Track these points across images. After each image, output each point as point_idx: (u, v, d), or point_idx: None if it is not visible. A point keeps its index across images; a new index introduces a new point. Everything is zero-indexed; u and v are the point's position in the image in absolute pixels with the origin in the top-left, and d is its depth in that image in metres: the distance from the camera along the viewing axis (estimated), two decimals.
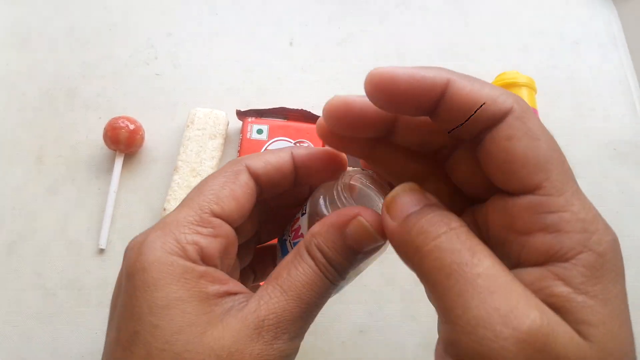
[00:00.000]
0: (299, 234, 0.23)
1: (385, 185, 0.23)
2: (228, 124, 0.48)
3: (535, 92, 0.49)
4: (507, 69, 0.49)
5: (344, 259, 0.20)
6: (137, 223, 0.45)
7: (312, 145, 0.46)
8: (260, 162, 0.23)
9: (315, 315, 0.20)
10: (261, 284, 0.22)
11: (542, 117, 0.48)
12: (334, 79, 0.53)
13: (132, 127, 0.45)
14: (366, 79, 0.18)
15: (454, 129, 0.19)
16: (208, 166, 0.45)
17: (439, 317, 0.17)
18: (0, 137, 0.48)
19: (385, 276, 0.43)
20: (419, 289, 0.47)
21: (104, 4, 0.55)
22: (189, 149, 0.45)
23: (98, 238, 0.44)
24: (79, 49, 0.53)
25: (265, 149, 0.46)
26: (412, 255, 0.17)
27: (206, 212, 0.21)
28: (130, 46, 0.53)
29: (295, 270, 0.19)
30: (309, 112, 0.47)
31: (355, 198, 0.21)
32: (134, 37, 0.54)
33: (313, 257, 0.20)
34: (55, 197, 0.46)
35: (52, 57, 0.52)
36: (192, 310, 0.18)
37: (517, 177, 0.17)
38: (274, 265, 0.23)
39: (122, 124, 0.45)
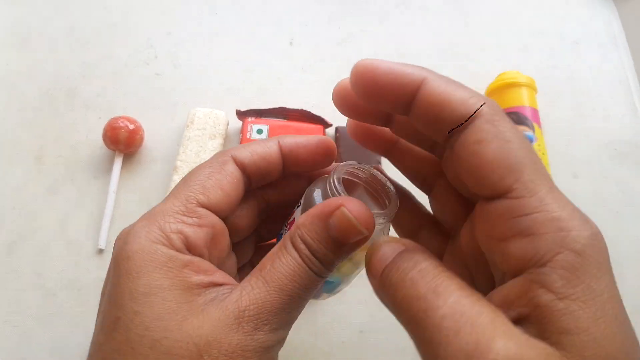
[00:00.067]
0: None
1: (380, 180, 0.23)
2: (228, 124, 0.48)
3: (536, 92, 0.49)
4: (507, 69, 0.49)
5: (329, 251, 0.19)
6: None
7: None
8: (246, 152, 0.23)
9: (300, 308, 0.20)
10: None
11: (542, 117, 0.48)
12: (334, 79, 0.52)
13: (131, 127, 0.45)
14: (352, 69, 0.19)
15: (453, 129, 0.18)
16: None
17: None
18: (0, 137, 0.48)
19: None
20: None
21: (104, 4, 0.55)
22: (188, 149, 0.45)
23: (98, 238, 0.44)
24: (79, 49, 0.53)
25: None
26: (392, 309, 0.18)
27: (192, 203, 0.21)
28: (130, 46, 0.53)
29: (278, 262, 0.19)
30: (309, 112, 0.47)
31: (350, 191, 0.21)
32: (133, 37, 0.54)
33: (297, 249, 0.19)
34: (55, 197, 0.46)
35: (52, 57, 0.52)
36: (173, 298, 0.18)
37: (488, 181, 0.17)
38: None
39: (121, 124, 0.45)
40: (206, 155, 0.45)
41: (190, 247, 0.20)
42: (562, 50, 0.55)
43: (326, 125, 0.48)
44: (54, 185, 0.46)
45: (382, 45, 0.55)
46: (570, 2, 0.58)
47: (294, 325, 0.44)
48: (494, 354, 0.14)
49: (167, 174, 0.47)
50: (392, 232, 0.24)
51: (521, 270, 0.16)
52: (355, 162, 0.23)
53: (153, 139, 0.48)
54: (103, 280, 0.46)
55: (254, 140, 0.46)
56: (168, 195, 0.22)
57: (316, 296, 0.25)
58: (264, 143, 0.23)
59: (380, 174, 0.23)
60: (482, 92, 0.51)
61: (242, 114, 0.48)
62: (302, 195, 0.24)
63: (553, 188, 0.16)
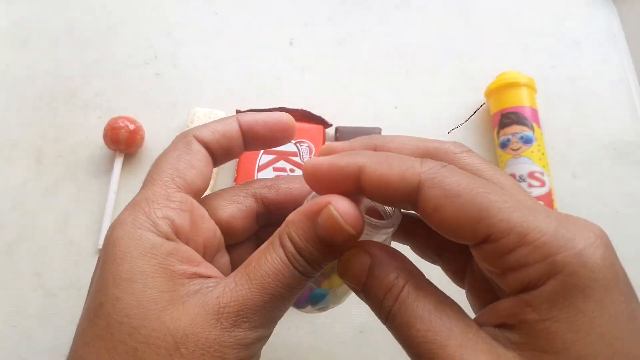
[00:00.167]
0: None
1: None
2: None
3: (535, 92, 0.49)
4: (507, 69, 0.49)
5: (316, 250, 0.19)
6: None
7: (313, 146, 0.46)
8: (207, 131, 0.23)
9: (283, 307, 0.20)
10: None
11: (542, 117, 0.48)
12: (334, 79, 0.53)
13: (132, 127, 0.45)
14: (302, 169, 0.20)
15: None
16: None
17: None
18: (0, 137, 0.48)
19: None
20: None
21: (104, 4, 0.55)
22: None
23: (98, 238, 0.44)
24: (79, 49, 0.53)
25: (265, 149, 0.46)
26: (399, 340, 0.19)
27: (171, 187, 0.21)
28: (130, 46, 0.53)
29: (263, 259, 0.19)
30: (309, 112, 0.47)
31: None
32: (133, 37, 0.54)
33: (283, 247, 0.19)
34: (55, 197, 0.46)
35: (52, 57, 0.52)
36: (154, 286, 0.18)
37: (464, 237, 0.17)
38: None
39: (121, 124, 0.45)
40: None
41: (177, 232, 0.20)
42: (562, 51, 0.55)
43: (326, 125, 0.48)
44: (54, 185, 0.46)
45: (382, 45, 0.55)
46: (570, 3, 0.58)
47: (294, 325, 0.44)
48: None
49: None
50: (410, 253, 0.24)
51: (519, 292, 0.17)
52: None
53: (153, 139, 0.48)
54: None
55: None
56: (144, 185, 0.22)
57: (299, 306, 0.24)
58: (224, 121, 0.24)
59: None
60: (482, 92, 0.51)
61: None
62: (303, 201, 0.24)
63: (525, 213, 0.17)
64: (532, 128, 0.46)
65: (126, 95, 0.50)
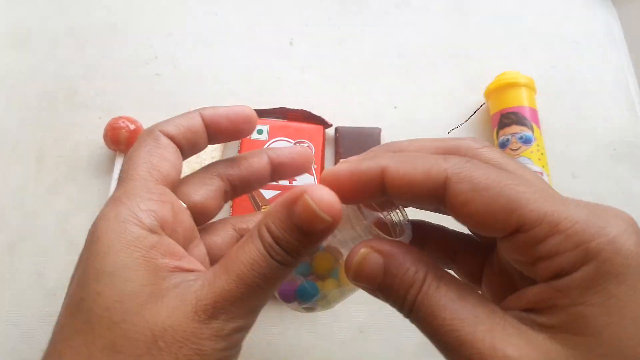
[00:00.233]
0: None
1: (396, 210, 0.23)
2: None
3: (535, 93, 0.49)
4: (507, 69, 0.49)
5: (293, 239, 0.19)
6: None
7: (312, 146, 0.46)
8: (172, 125, 0.24)
9: (262, 297, 0.20)
10: None
11: (542, 118, 0.48)
12: (334, 79, 0.53)
13: (132, 127, 0.45)
14: (321, 180, 0.20)
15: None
16: None
17: None
18: (0, 137, 0.48)
19: None
20: None
21: (104, 4, 0.55)
22: None
23: None
24: (79, 49, 0.53)
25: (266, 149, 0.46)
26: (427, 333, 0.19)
27: (150, 181, 0.21)
28: (131, 46, 0.53)
29: (241, 250, 0.19)
30: (309, 112, 0.47)
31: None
32: (134, 37, 0.54)
33: (261, 237, 0.19)
34: (56, 197, 0.46)
35: (52, 57, 0.52)
36: (136, 279, 0.18)
37: (494, 229, 0.18)
38: None
39: (122, 124, 0.45)
40: (206, 155, 0.45)
41: (161, 224, 0.20)
42: (562, 51, 0.55)
43: (326, 125, 0.48)
44: (55, 185, 0.46)
45: (382, 45, 0.55)
46: (569, 3, 0.58)
47: (294, 324, 0.44)
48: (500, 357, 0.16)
49: None
50: None
51: (550, 280, 0.17)
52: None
53: None
54: None
55: (254, 140, 0.46)
56: (120, 181, 0.22)
57: (286, 299, 0.24)
58: (187, 115, 0.24)
59: (399, 207, 0.22)
60: (481, 92, 0.51)
61: None
62: (264, 174, 0.24)
63: (555, 203, 0.17)
64: (531, 128, 0.46)
65: (126, 96, 0.51)
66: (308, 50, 0.54)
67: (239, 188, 0.26)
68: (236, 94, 0.51)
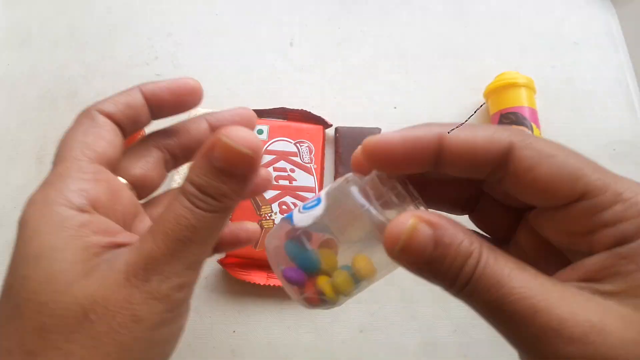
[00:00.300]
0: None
1: (409, 189, 0.21)
2: None
3: (535, 93, 0.49)
4: (507, 70, 0.50)
5: (218, 182, 0.19)
6: None
7: (312, 146, 0.46)
8: (110, 103, 0.23)
9: (197, 253, 0.19)
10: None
11: (541, 118, 0.48)
12: (334, 79, 0.53)
13: None
14: (362, 149, 0.19)
15: (453, 128, 0.19)
16: None
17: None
18: (0, 137, 0.48)
19: (386, 276, 0.43)
20: (419, 289, 0.48)
21: (104, 4, 0.55)
22: None
23: None
24: (80, 49, 0.53)
25: (266, 149, 0.46)
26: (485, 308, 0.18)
27: (82, 160, 0.21)
28: (131, 47, 0.53)
29: (166, 210, 0.19)
30: (309, 112, 0.47)
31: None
32: (134, 38, 0.54)
33: (184, 192, 0.19)
34: None
35: (53, 57, 0.52)
36: (64, 259, 0.18)
37: (557, 195, 0.18)
38: None
39: None
40: None
41: (94, 203, 0.20)
42: (561, 51, 0.55)
43: (326, 125, 0.48)
44: None
45: (382, 45, 0.55)
46: (569, 4, 0.58)
47: (293, 323, 0.44)
48: (578, 326, 0.16)
49: (168, 175, 0.47)
50: None
51: (610, 248, 0.17)
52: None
53: None
54: None
55: None
56: (54, 164, 0.21)
57: (294, 281, 0.22)
58: (126, 92, 0.24)
59: (412, 187, 0.21)
60: (481, 92, 0.51)
61: None
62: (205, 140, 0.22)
63: (616, 177, 0.18)
64: (531, 128, 0.46)
65: None
66: (308, 50, 0.54)
67: (181, 157, 0.26)
68: (236, 94, 0.51)
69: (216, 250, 0.25)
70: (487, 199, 0.22)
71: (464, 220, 0.22)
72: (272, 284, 0.42)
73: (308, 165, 0.45)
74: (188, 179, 0.19)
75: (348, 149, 0.47)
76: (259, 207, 0.43)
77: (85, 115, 0.23)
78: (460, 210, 0.24)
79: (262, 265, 0.42)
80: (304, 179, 0.45)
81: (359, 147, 0.20)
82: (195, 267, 0.20)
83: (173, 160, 0.26)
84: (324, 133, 0.48)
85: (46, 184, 0.20)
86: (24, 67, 0.52)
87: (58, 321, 0.17)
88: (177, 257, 0.18)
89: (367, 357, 0.41)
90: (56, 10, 0.55)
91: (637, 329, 0.16)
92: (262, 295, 0.42)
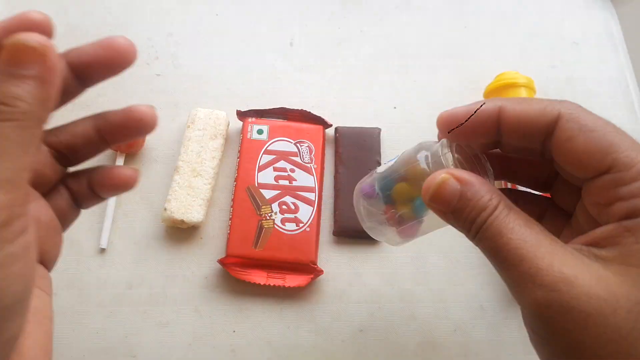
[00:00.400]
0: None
1: (480, 159, 0.26)
2: (229, 124, 0.49)
3: (535, 93, 0.49)
4: (506, 69, 0.50)
5: (9, 85, 0.17)
6: (138, 223, 0.45)
7: (312, 146, 0.46)
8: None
9: (10, 167, 0.16)
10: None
11: None
12: (334, 79, 0.53)
13: None
14: (437, 120, 0.24)
15: (454, 128, 0.24)
16: (209, 166, 0.45)
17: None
18: None
19: (385, 276, 0.43)
20: (419, 288, 0.48)
21: (105, 4, 0.55)
22: (189, 149, 0.45)
23: (99, 238, 0.44)
24: None
25: (266, 149, 0.46)
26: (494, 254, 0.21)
27: None
28: None
29: None
30: (309, 112, 0.47)
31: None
32: (134, 38, 0.53)
33: None
34: None
35: None
36: None
37: (589, 166, 0.20)
38: None
39: None
40: (207, 156, 0.45)
41: None
42: (561, 51, 0.55)
43: (326, 125, 0.48)
44: None
45: (382, 45, 0.55)
46: (569, 4, 0.58)
47: (293, 323, 0.44)
48: (555, 274, 0.18)
49: (168, 174, 0.47)
50: None
51: (619, 221, 0.19)
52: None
53: (154, 140, 0.48)
54: (105, 280, 0.46)
55: (254, 140, 0.46)
56: None
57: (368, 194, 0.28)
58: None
59: (482, 155, 0.26)
60: (481, 92, 0.51)
61: (242, 114, 0.48)
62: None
63: None
64: None
65: (127, 96, 0.51)
66: (308, 50, 0.54)
67: (66, 153, 0.25)
68: (236, 94, 0.51)
69: (110, 140, 0.24)
70: (561, 179, 0.25)
71: None
72: (272, 284, 0.42)
73: (308, 165, 0.45)
74: None
75: (348, 149, 0.47)
76: (259, 207, 0.44)
77: None
78: (542, 189, 0.27)
79: (262, 265, 0.42)
80: (304, 179, 0.45)
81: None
82: (9, 187, 0.16)
83: (64, 157, 0.25)
84: (324, 133, 0.48)
85: None
86: None
87: None
88: None
89: (367, 357, 0.41)
90: (56, 10, 0.55)
91: (606, 288, 0.18)
92: (262, 295, 0.42)
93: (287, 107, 0.48)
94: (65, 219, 0.26)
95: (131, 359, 0.40)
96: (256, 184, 0.44)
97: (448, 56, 0.55)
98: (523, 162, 0.27)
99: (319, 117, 0.48)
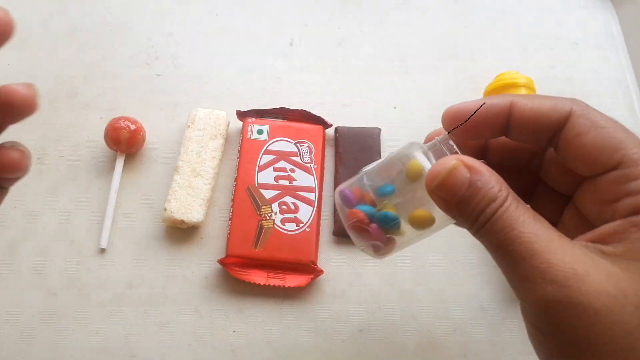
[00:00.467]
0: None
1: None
2: (229, 125, 0.49)
3: (534, 93, 0.49)
4: (506, 69, 0.50)
5: None
6: (138, 223, 0.45)
7: (312, 146, 0.46)
8: None
9: None
10: None
11: None
12: (334, 79, 0.53)
13: (133, 127, 0.45)
14: (442, 115, 0.24)
15: (454, 128, 0.23)
16: (209, 166, 0.45)
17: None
18: (1, 137, 0.48)
19: (385, 276, 0.43)
20: (419, 288, 0.48)
21: (105, 4, 0.55)
22: (189, 149, 0.45)
23: (99, 238, 0.44)
24: (80, 49, 0.53)
25: (266, 149, 0.46)
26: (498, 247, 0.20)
27: None
28: (131, 46, 0.53)
29: None
30: (309, 112, 0.48)
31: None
32: (134, 38, 0.54)
33: None
34: (56, 197, 0.46)
35: (53, 57, 0.52)
36: None
37: (597, 162, 0.20)
38: None
39: (123, 125, 0.45)
40: (207, 156, 0.45)
41: None
42: (561, 51, 0.55)
43: (326, 125, 0.48)
44: (55, 185, 0.46)
45: (382, 45, 0.55)
46: (569, 4, 0.58)
47: (293, 323, 0.44)
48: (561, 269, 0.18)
49: (168, 174, 0.47)
50: None
51: (625, 217, 0.19)
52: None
53: (154, 139, 0.48)
54: (105, 280, 0.46)
55: (254, 140, 0.46)
56: None
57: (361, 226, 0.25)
58: None
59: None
60: (481, 92, 0.51)
61: (242, 115, 0.48)
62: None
63: None
64: None
65: (127, 96, 0.51)
66: (308, 50, 0.54)
67: None
68: (236, 94, 0.51)
69: None
70: (542, 187, 0.25)
71: None
72: (272, 284, 0.42)
73: (308, 165, 0.45)
74: None
75: (348, 149, 0.47)
76: (259, 207, 0.44)
77: None
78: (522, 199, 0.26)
79: (262, 265, 0.42)
80: (304, 179, 0.45)
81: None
82: None
83: None
84: (324, 133, 0.48)
85: None
86: (24, 67, 0.52)
87: None
88: None
89: (367, 357, 0.41)
90: (56, 10, 0.55)
91: (615, 284, 0.18)
92: (262, 295, 0.42)
93: (287, 107, 0.48)
94: None
95: (131, 359, 0.40)
96: (256, 184, 0.44)
97: (448, 56, 0.55)
98: (504, 171, 0.25)
99: (319, 117, 0.48)
